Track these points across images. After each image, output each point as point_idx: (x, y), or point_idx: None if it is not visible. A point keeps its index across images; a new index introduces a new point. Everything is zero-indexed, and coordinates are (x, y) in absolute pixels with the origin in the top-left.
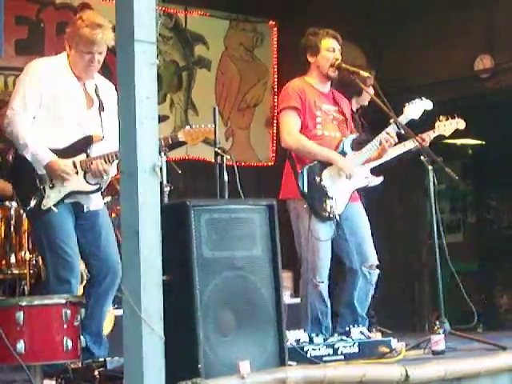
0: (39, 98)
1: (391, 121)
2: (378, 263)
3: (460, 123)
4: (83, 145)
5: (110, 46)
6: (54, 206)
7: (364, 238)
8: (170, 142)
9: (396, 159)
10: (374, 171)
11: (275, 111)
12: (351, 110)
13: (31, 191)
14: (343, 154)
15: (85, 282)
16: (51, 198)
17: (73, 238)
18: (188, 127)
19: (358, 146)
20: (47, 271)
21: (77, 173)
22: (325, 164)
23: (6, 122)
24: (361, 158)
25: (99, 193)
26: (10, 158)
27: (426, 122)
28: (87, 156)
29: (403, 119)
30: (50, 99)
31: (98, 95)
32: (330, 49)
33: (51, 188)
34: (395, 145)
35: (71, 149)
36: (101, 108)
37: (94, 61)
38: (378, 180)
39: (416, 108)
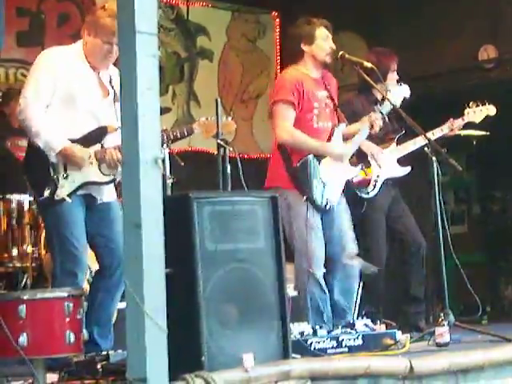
0: (52, 86)
1: (377, 106)
2: (356, 252)
3: (490, 109)
4: (98, 135)
5: None
6: (68, 196)
7: (343, 229)
8: (186, 134)
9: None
10: (401, 161)
11: None
12: (375, 99)
13: (45, 181)
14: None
15: (87, 275)
16: (65, 187)
17: (82, 230)
18: (203, 118)
19: (385, 136)
20: (54, 263)
21: (91, 163)
22: (320, 155)
23: (19, 109)
24: (353, 147)
25: (112, 185)
26: (9, 144)
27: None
28: (102, 147)
29: (386, 107)
30: (63, 88)
31: (112, 86)
32: (324, 37)
33: (65, 178)
34: (405, 142)
35: (85, 139)
36: (115, 98)
37: (112, 51)
38: (405, 170)
39: (394, 96)
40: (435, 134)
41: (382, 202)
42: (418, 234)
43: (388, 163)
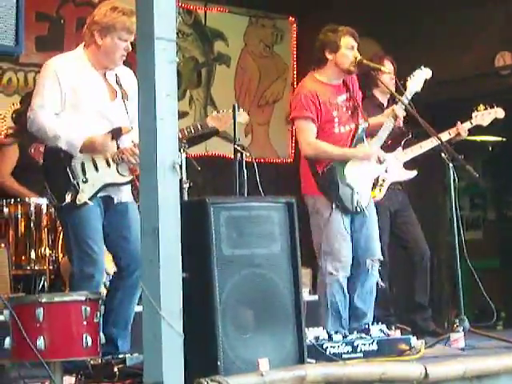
0: (59, 96)
1: (397, 100)
2: (382, 259)
3: (499, 112)
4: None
5: None
6: (89, 199)
7: (372, 233)
8: (200, 129)
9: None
10: (407, 165)
11: None
12: (381, 103)
13: (65, 187)
14: (360, 142)
15: (104, 279)
16: (85, 192)
17: (99, 233)
18: (215, 113)
19: (394, 139)
20: (72, 265)
21: (109, 166)
22: (345, 160)
23: (29, 122)
24: (378, 143)
25: (129, 186)
26: (32, 151)
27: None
28: (118, 147)
29: (408, 94)
30: (71, 95)
31: (120, 85)
32: (349, 46)
33: (84, 182)
34: (417, 143)
35: None
36: (124, 98)
37: (129, 48)
38: (411, 174)
39: (417, 80)
40: (443, 137)
41: (387, 205)
42: (422, 242)
43: (394, 167)
